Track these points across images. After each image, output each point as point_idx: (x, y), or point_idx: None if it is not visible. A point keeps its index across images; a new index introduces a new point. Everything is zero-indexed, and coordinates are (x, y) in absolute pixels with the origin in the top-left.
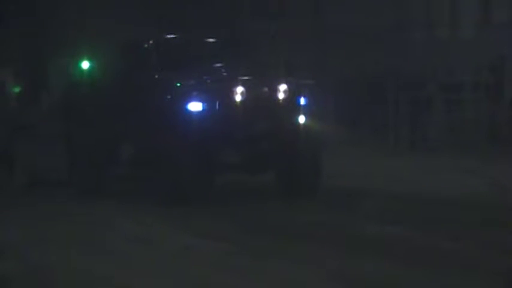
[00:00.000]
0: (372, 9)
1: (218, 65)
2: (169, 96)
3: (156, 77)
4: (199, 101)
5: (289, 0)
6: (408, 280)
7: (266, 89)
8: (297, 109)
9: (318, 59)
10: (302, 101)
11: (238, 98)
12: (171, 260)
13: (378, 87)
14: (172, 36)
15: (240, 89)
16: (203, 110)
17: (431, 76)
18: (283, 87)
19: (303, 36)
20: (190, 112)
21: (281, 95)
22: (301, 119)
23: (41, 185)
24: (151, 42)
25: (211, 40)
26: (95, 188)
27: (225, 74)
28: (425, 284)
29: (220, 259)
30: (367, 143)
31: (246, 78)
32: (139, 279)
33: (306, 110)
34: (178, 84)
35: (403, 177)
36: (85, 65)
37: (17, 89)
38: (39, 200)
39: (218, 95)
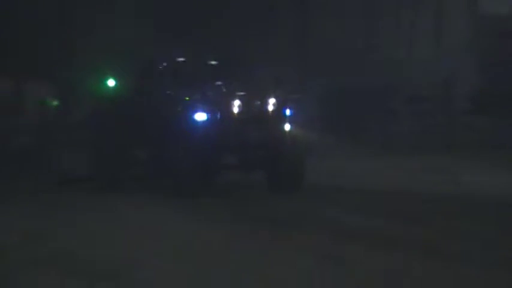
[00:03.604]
0: (348, 32)
1: (219, 82)
2: (179, 109)
3: (169, 92)
4: (204, 112)
5: (280, 20)
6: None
7: (258, 103)
8: (284, 119)
9: (304, 75)
10: (288, 112)
11: (235, 110)
12: (180, 242)
13: (355, 100)
14: (182, 59)
15: (237, 102)
16: (207, 119)
17: (397, 90)
18: (272, 100)
19: (290, 56)
20: (196, 121)
21: (270, 108)
22: (288, 128)
23: (69, 181)
24: (165, 64)
25: (213, 62)
26: (114, 184)
27: (224, 90)
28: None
29: (225, 241)
30: (346, 147)
31: (241, 93)
32: (149, 260)
33: (291, 120)
34: (187, 99)
35: (376, 175)
36: (111, 82)
37: (55, 103)
38: (64, 192)
39: (219, 107)
